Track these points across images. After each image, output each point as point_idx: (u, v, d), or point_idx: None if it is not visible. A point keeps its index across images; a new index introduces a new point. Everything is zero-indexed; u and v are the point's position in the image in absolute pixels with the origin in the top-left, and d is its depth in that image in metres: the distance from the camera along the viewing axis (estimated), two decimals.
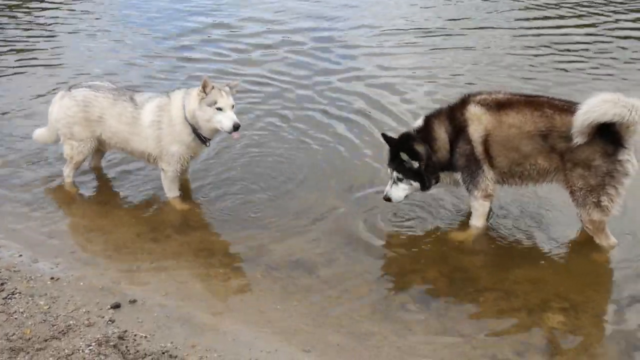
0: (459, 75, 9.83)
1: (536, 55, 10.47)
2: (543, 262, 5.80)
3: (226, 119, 6.03)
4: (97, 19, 12.79)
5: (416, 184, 6.02)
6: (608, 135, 5.37)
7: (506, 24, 12.11)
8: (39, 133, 7.04)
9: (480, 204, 6.03)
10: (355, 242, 6.04)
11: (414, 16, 12.64)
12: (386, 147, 6.14)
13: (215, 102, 6.03)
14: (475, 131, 5.77)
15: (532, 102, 5.78)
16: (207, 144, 6.45)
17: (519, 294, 5.34)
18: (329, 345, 4.73)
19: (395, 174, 6.02)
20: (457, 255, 5.90)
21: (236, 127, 6.02)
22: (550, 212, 6.42)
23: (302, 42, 11.27)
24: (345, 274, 5.59)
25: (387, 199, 6.10)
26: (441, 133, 5.95)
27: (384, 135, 6.18)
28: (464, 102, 5.98)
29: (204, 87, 6.04)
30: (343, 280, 5.51)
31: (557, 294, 5.32)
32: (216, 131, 6.23)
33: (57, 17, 12.72)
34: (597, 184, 5.52)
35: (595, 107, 5.21)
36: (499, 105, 5.79)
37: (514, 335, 4.89)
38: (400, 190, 6.05)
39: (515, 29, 11.83)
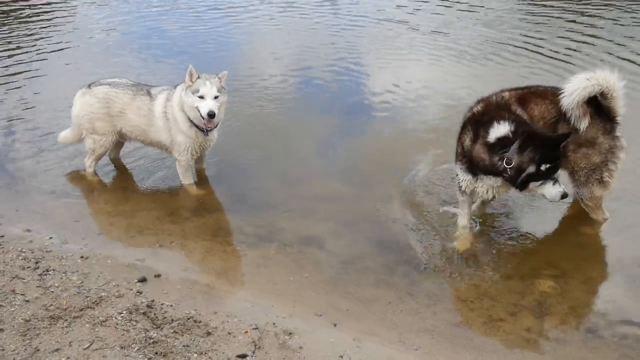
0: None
1: None
2: (535, 235, 6.18)
3: (203, 106, 6.46)
4: None
5: None
6: (603, 113, 5.68)
7: None
8: (64, 135, 7.44)
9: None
10: (361, 219, 6.46)
11: None
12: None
13: (198, 91, 6.47)
14: None
15: (537, 93, 5.86)
16: (206, 133, 6.76)
17: (512, 263, 5.76)
18: (338, 310, 5.16)
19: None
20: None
21: (210, 115, 6.43)
22: None
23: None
24: (351, 248, 6.02)
25: (566, 195, 5.53)
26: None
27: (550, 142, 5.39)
28: (503, 96, 5.80)
29: (190, 75, 6.49)
30: (349, 253, 5.94)
31: (548, 263, 5.73)
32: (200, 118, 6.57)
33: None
34: (600, 161, 5.80)
35: (576, 84, 5.54)
36: (522, 100, 5.76)
37: (508, 298, 5.29)
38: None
39: None
